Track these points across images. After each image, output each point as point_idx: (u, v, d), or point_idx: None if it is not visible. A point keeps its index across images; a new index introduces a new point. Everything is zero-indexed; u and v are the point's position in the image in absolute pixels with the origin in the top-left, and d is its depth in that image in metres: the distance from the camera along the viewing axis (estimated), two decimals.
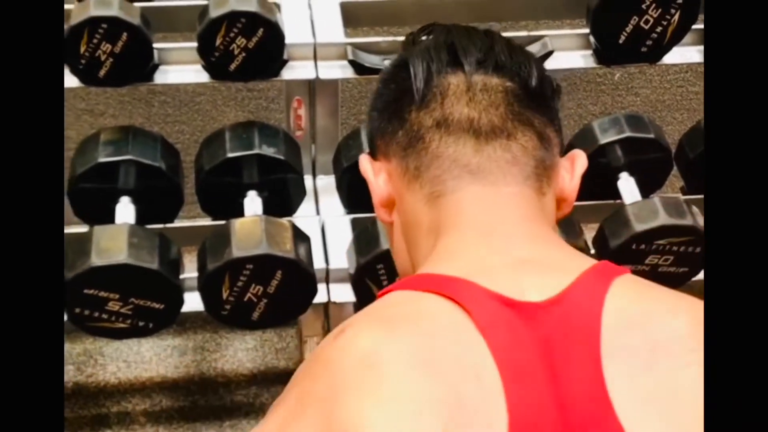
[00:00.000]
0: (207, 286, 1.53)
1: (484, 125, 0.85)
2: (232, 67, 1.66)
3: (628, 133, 1.76)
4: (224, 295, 1.53)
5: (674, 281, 1.61)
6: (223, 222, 1.58)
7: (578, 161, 0.92)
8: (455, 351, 0.74)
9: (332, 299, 1.65)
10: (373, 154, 0.94)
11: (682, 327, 0.76)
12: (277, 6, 1.75)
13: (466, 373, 0.72)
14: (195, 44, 1.65)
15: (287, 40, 1.68)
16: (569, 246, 0.86)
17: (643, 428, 0.71)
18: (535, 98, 0.88)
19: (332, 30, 1.76)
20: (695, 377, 0.72)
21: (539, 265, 0.81)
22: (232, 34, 1.62)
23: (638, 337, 0.75)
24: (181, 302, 1.58)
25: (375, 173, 0.92)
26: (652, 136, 1.79)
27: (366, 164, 0.93)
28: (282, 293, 1.53)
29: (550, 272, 0.80)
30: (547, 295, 0.77)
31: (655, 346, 0.75)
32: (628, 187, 1.75)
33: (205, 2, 1.69)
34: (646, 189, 1.76)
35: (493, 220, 0.84)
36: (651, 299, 0.80)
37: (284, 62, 1.70)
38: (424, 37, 0.93)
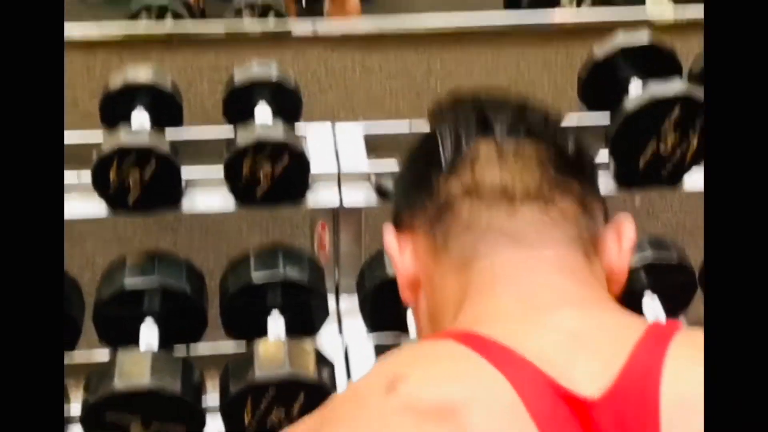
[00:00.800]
0: (229, 409, 1.52)
1: (518, 189, 0.77)
2: (258, 193, 1.69)
3: (651, 257, 1.77)
4: (246, 419, 1.51)
5: None
6: (245, 345, 1.57)
7: (625, 233, 0.81)
8: None
9: None
10: (398, 228, 0.86)
11: None
12: (303, 137, 1.81)
13: None
14: (222, 171, 1.69)
15: (312, 169, 1.72)
16: (620, 308, 0.77)
17: None
18: (572, 166, 0.80)
19: (356, 158, 1.80)
20: None
21: (590, 341, 0.72)
22: (258, 162, 1.66)
23: (697, 419, 0.67)
24: (202, 426, 1.56)
25: (400, 250, 0.84)
26: (675, 258, 1.79)
27: (391, 238, 0.85)
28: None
29: (602, 350, 0.71)
30: (600, 384, 0.68)
31: None
32: (652, 308, 1.74)
33: (231, 135, 1.74)
34: (671, 311, 1.75)
35: (533, 287, 0.75)
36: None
37: (309, 189, 1.74)
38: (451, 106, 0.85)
